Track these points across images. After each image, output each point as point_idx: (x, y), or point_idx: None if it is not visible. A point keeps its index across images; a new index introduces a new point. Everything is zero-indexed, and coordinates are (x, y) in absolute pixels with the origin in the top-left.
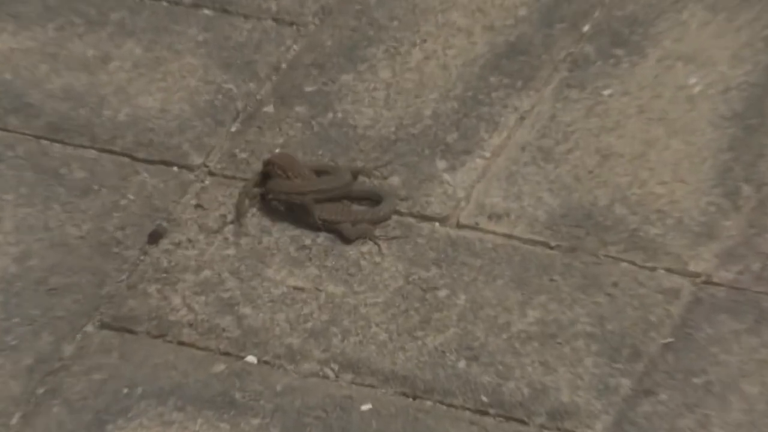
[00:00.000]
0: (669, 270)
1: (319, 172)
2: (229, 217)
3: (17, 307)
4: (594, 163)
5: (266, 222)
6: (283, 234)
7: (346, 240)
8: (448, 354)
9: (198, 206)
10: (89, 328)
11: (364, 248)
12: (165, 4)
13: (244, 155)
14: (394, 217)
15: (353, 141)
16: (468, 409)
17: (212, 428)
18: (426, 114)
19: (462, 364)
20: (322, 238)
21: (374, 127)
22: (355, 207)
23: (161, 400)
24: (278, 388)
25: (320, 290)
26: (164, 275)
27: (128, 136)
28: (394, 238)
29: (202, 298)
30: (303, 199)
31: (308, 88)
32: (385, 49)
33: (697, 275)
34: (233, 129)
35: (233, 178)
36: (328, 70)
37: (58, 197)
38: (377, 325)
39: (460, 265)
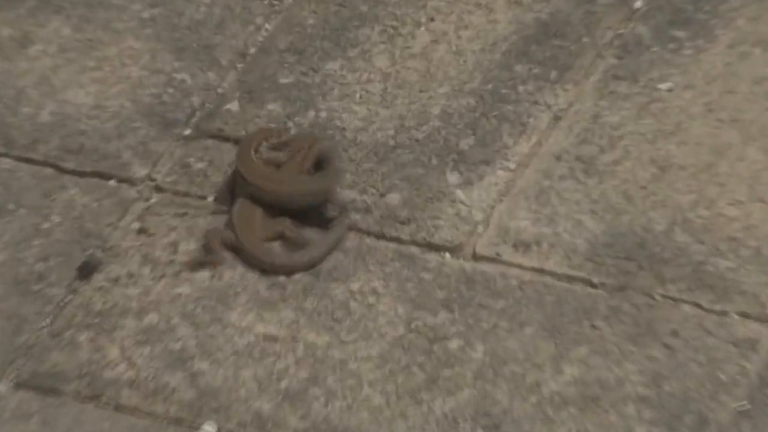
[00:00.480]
0: (744, 315)
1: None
2: (183, 245)
3: None
4: (648, 176)
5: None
6: (249, 267)
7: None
8: (461, 422)
9: (142, 231)
10: (2, 386)
11: (354, 285)
12: None
13: (200, 165)
14: (391, 246)
15: (341, 147)
16: None
17: None
18: (434, 113)
19: None
20: (300, 273)
21: (368, 129)
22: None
23: None
24: None
25: (298, 339)
26: (98, 320)
27: (53, 141)
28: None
29: (147, 349)
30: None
31: (284, 80)
32: (382, 29)
33: None
34: (187, 132)
35: (187, 195)
36: (309, 57)
37: None
38: (370, 384)
39: (476, 308)
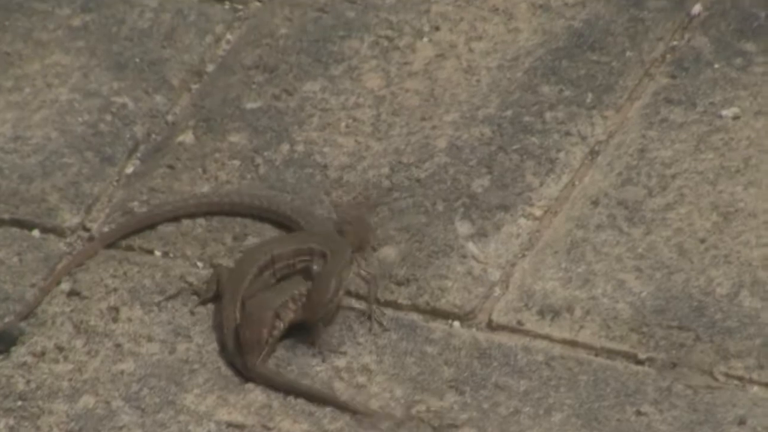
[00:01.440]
0: None
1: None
2: (125, 312)
3: None
4: (709, 226)
5: (182, 317)
6: (209, 336)
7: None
8: None
9: (73, 293)
10: None
11: (341, 362)
12: None
13: (146, 210)
14: (387, 313)
15: (321, 189)
16: None
17: None
18: (439, 147)
19: None
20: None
21: (356, 167)
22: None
23: None
24: None
25: (270, 428)
26: (19, 404)
27: None
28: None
29: None
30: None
31: (250, 104)
32: (374, 41)
33: None
34: (129, 170)
35: (129, 249)
36: (283, 76)
37: None
38: None
39: (493, 390)
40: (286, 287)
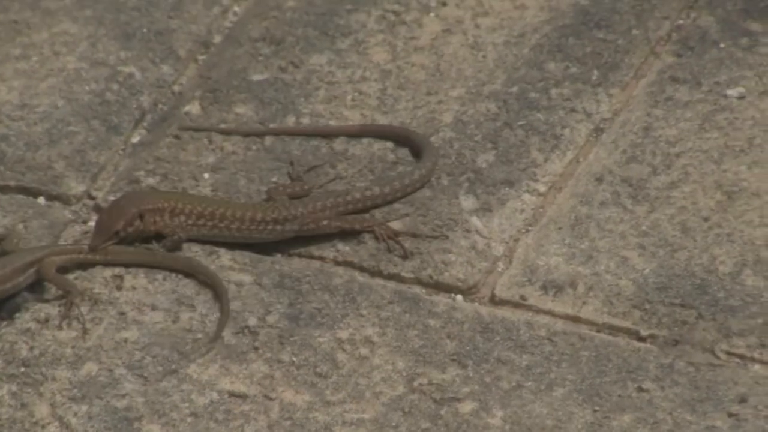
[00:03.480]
0: None
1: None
2: (129, 280)
3: None
4: (713, 204)
5: (186, 286)
6: (212, 306)
7: None
8: None
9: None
10: None
11: (343, 333)
12: None
13: (152, 180)
14: (390, 286)
15: (326, 161)
16: None
17: None
18: (444, 121)
19: None
20: (277, 315)
21: (361, 140)
22: None
23: None
24: None
25: (272, 398)
26: (22, 370)
27: None
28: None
29: (84, 407)
30: None
31: (256, 76)
32: (380, 15)
33: None
34: (135, 139)
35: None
36: (289, 48)
37: None
38: None
39: (495, 364)
40: None
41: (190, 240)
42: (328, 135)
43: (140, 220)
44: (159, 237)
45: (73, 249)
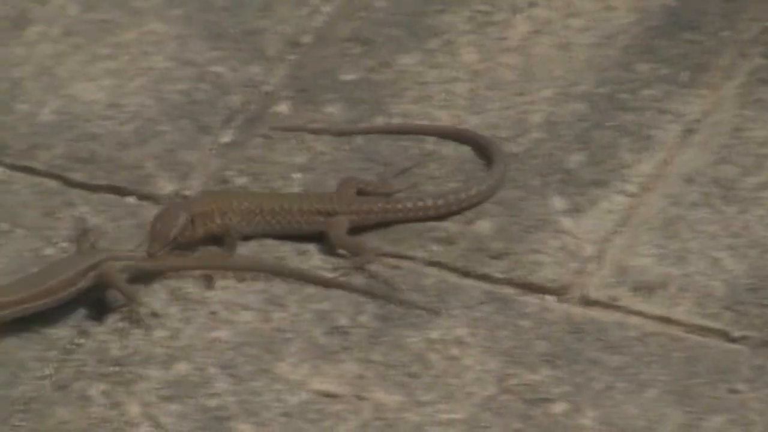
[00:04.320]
0: None
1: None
2: (219, 279)
3: None
4: None
5: (277, 286)
6: (304, 306)
7: None
8: None
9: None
10: None
11: (434, 334)
12: None
13: (241, 181)
14: (481, 286)
15: (415, 161)
16: None
17: None
18: (534, 122)
19: None
20: (368, 316)
21: (450, 141)
22: None
23: None
24: None
25: (363, 398)
26: (114, 369)
27: (57, 147)
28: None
29: (175, 407)
30: None
31: (346, 76)
32: (470, 15)
33: None
34: (224, 139)
35: None
36: (379, 48)
37: None
38: None
39: (586, 365)
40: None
41: (248, 237)
42: (408, 133)
43: (192, 224)
44: (217, 240)
45: (131, 255)
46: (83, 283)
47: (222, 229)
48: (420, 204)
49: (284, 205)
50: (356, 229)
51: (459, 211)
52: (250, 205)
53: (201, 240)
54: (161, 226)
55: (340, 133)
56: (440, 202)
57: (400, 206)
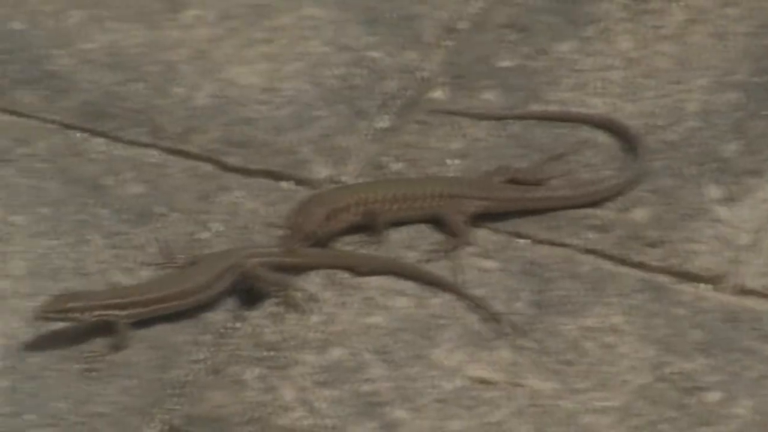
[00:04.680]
0: None
1: None
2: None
3: (33, 398)
4: None
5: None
6: (458, 296)
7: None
8: None
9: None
10: None
11: (589, 321)
12: None
13: (397, 166)
14: (636, 274)
15: (570, 148)
16: None
17: None
18: (690, 110)
19: None
20: (522, 303)
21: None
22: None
23: None
24: None
25: (518, 385)
26: (269, 354)
27: (212, 131)
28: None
29: (330, 392)
30: None
31: (502, 63)
32: (626, 3)
33: None
34: (381, 124)
35: None
36: (535, 35)
37: (99, 224)
38: None
39: (742, 354)
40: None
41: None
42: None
43: (329, 219)
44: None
45: (270, 251)
46: (221, 284)
47: (365, 217)
48: (546, 194)
49: (416, 190)
50: (496, 215)
51: (592, 204)
52: (386, 194)
53: (341, 232)
54: (299, 221)
55: (500, 118)
56: (568, 193)
57: (529, 196)
